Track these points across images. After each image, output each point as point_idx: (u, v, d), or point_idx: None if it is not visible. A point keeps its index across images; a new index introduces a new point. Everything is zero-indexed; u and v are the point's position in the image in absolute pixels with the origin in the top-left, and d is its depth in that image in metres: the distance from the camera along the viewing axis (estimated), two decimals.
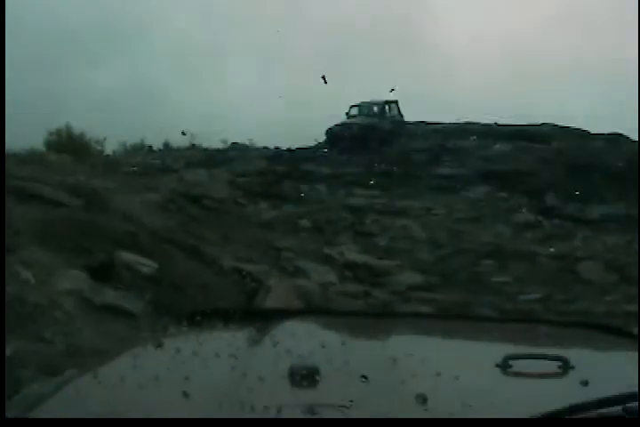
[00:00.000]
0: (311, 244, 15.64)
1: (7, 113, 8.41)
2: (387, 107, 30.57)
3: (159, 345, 2.08)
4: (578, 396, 1.56)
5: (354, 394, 1.67)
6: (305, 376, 1.73)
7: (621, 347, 2.51)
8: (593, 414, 1.52)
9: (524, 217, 21.09)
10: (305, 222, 18.14)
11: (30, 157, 15.55)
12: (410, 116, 31.17)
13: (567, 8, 75.92)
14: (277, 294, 9.14)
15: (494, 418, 1.54)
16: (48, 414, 1.63)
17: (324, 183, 23.65)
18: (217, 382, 1.79)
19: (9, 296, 6.46)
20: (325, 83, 17.21)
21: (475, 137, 29.12)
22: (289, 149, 29.22)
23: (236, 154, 28.88)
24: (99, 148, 20.39)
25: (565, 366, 1.93)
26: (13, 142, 13.59)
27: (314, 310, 6.41)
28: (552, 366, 1.93)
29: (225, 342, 2.09)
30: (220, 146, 30.04)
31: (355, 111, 30.70)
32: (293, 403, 1.60)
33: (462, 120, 30.82)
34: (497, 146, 28.01)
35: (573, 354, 2.00)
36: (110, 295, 7.99)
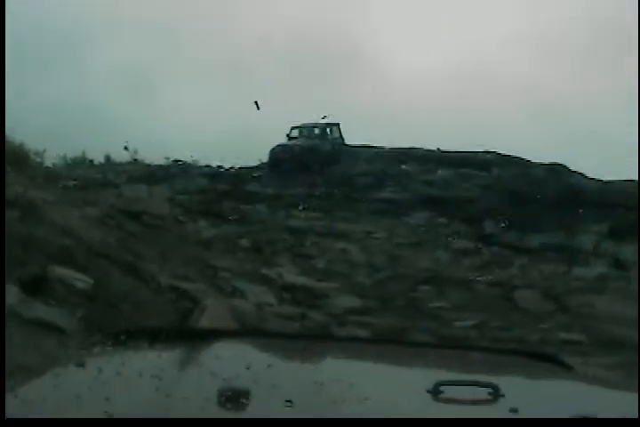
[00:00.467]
0: (249, 264, 15.56)
1: None
2: (328, 129, 30.61)
3: (81, 365, 2.02)
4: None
5: (277, 418, 1.64)
6: (231, 399, 1.69)
7: (554, 375, 2.52)
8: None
9: (463, 244, 21.26)
10: (244, 242, 18.07)
11: None
12: (354, 139, 31.29)
13: (522, 33, 76.99)
14: (213, 313, 9.04)
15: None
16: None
17: (264, 204, 23.62)
18: (139, 404, 1.74)
19: None
20: (258, 109, 17.18)
21: (418, 162, 29.34)
22: (231, 168, 29.17)
23: (177, 171, 28.75)
24: (38, 159, 20.08)
25: (496, 394, 1.91)
26: None
27: (247, 330, 6.36)
28: (482, 393, 1.91)
29: (150, 362, 2.04)
30: (163, 162, 29.84)
31: (295, 133, 30.62)
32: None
33: (406, 145, 31.00)
34: (439, 172, 28.24)
35: (505, 381, 2.00)
36: (41, 310, 7.82)
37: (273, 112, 33.90)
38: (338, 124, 30.79)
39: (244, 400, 1.70)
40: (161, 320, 8.81)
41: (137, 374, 1.88)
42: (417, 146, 30.95)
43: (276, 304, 12.72)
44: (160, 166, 29.23)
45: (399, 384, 2.14)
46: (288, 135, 30.58)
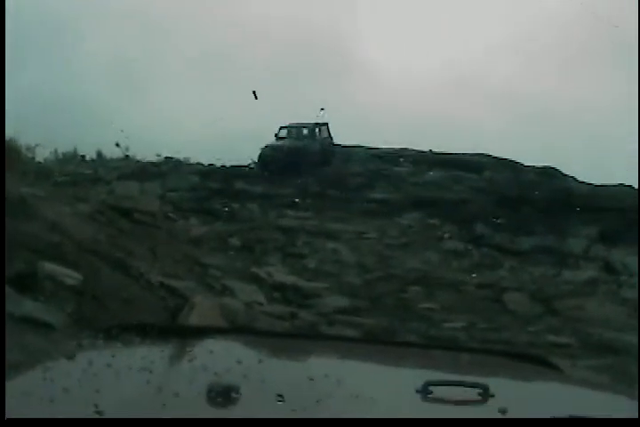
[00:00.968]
0: (240, 262, 15.57)
1: None
2: (317, 129, 30.44)
3: (71, 357, 2.02)
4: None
5: (268, 413, 1.64)
6: (221, 394, 1.68)
7: (543, 377, 2.52)
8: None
9: (453, 245, 21.28)
10: (235, 241, 18.07)
11: None
12: (347, 139, 31.25)
13: (510, 38, 77.06)
14: (202, 311, 9.04)
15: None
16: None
17: (256, 202, 23.62)
18: (129, 396, 1.74)
19: None
20: (256, 98, 17.09)
21: (410, 163, 29.38)
22: (223, 167, 29.10)
23: (169, 168, 28.71)
24: (30, 155, 20.03)
25: (485, 394, 1.91)
26: None
27: (236, 328, 6.36)
28: (472, 394, 1.91)
29: (140, 356, 2.03)
30: (154, 159, 29.78)
31: (284, 133, 30.42)
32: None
33: (399, 146, 31.02)
34: (431, 173, 28.28)
35: (494, 382, 1.99)
36: (30, 307, 7.79)
37: (264, 110, 33.88)
38: (326, 124, 30.66)
39: (232, 395, 1.70)
40: (150, 317, 8.80)
41: (127, 368, 1.88)
42: (409, 147, 30.99)
43: (266, 303, 12.71)
44: (152, 163, 29.17)
45: (387, 383, 2.13)
46: (276, 135, 30.39)
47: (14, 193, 11.27)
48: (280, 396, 1.72)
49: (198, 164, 30.15)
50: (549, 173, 28.47)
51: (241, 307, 11.50)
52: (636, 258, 19.64)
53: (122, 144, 27.38)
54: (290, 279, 14.76)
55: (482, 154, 29.81)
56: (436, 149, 30.44)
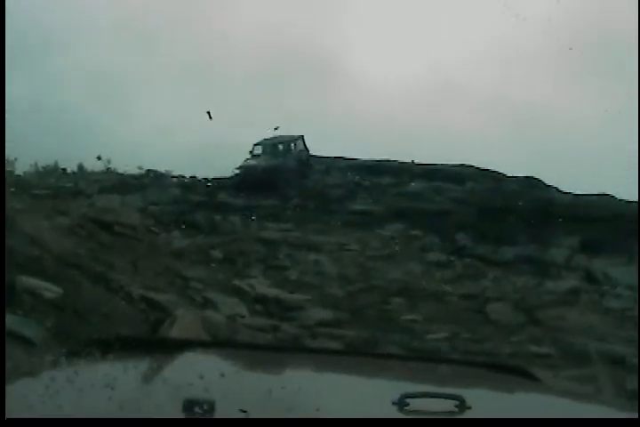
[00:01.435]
0: (222, 275, 15.52)
1: None
2: (292, 144, 29.95)
3: (38, 374, 2.00)
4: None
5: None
6: (198, 408, 1.66)
7: (522, 388, 2.51)
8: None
9: (436, 256, 21.31)
10: (216, 253, 18.02)
11: None
12: (328, 150, 31.22)
13: (495, 44, 77.40)
14: (183, 324, 8.98)
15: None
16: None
17: (237, 215, 23.58)
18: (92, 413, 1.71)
19: None
20: (210, 118, 17.07)
21: (391, 174, 29.44)
22: (205, 179, 29.00)
23: (151, 181, 28.66)
24: (9, 168, 19.95)
25: (462, 406, 1.89)
26: None
27: (217, 341, 6.33)
28: (449, 406, 1.89)
29: (104, 372, 2.01)
30: (136, 172, 29.70)
31: (258, 150, 29.72)
32: None
33: (380, 157, 31.06)
34: (413, 184, 28.35)
35: (472, 394, 1.98)
36: (9, 320, 7.72)
37: (246, 121, 33.82)
38: (302, 137, 30.28)
39: (204, 408, 1.68)
40: (131, 331, 8.74)
41: (90, 385, 1.85)
42: (391, 158, 31.04)
43: (248, 316, 12.68)
44: (133, 176, 29.11)
45: (364, 396, 2.11)
46: (251, 152, 29.77)
47: None
48: (243, 411, 1.71)
49: (181, 176, 30.10)
50: (532, 183, 28.62)
51: (223, 320, 11.46)
52: (619, 268, 19.75)
53: (103, 157, 27.39)
54: (272, 292, 14.72)
55: (464, 165, 29.93)
56: (417, 160, 30.53)
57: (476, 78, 71.94)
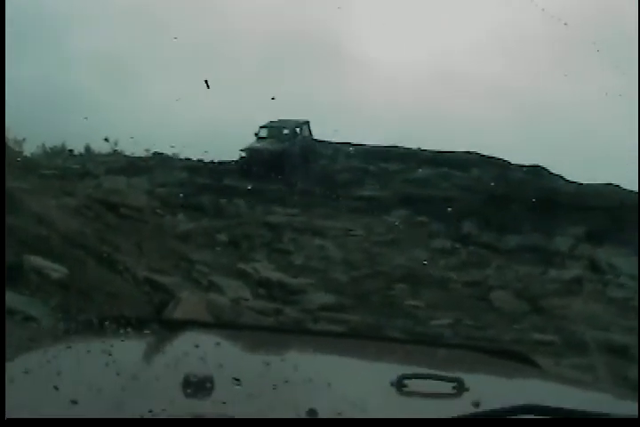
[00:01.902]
0: (226, 258, 15.55)
1: None
2: (297, 129, 29.81)
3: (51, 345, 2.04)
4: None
5: (235, 403, 1.66)
6: (197, 384, 1.69)
7: (522, 373, 2.52)
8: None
9: (440, 243, 21.32)
10: (222, 236, 18.05)
11: None
12: (334, 136, 31.07)
13: (501, 32, 76.97)
14: (187, 306, 9.03)
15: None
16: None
17: (243, 198, 23.58)
18: (99, 386, 1.74)
19: None
20: (208, 87, 17.12)
21: (398, 161, 29.39)
22: (211, 162, 28.93)
23: (157, 163, 28.64)
24: (17, 148, 19.97)
25: (460, 388, 1.91)
26: None
27: (220, 323, 6.35)
28: (447, 387, 1.91)
29: (104, 346, 2.04)
30: (143, 154, 29.67)
31: (264, 133, 29.52)
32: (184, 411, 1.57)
33: (387, 143, 30.99)
34: (419, 171, 28.31)
35: (472, 378, 1.99)
36: (15, 300, 7.77)
37: (254, 104, 33.69)
38: (307, 123, 30.06)
39: (207, 385, 1.70)
40: (134, 311, 8.78)
41: (98, 360, 1.89)
42: (398, 144, 30.96)
43: (252, 299, 12.72)
44: (140, 158, 29.06)
45: (363, 377, 2.13)
46: (257, 134, 29.55)
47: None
48: (237, 380, 1.74)
49: (187, 159, 30.05)
50: (537, 171, 28.56)
51: (227, 303, 11.50)
52: (623, 258, 19.75)
53: (110, 139, 27.37)
54: (276, 275, 14.76)
55: (470, 152, 29.86)
56: (424, 147, 30.43)
57: (482, 65, 71.63)
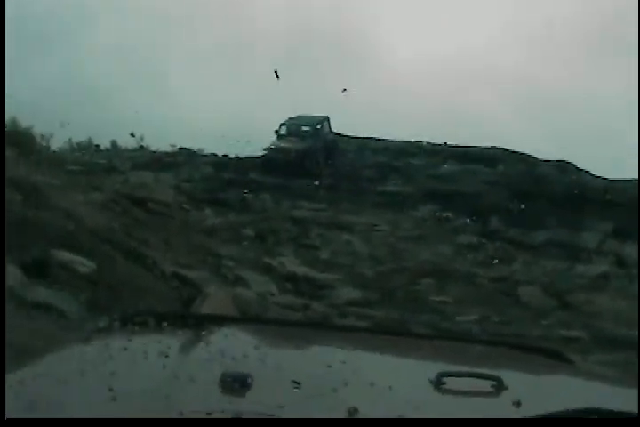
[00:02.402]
0: (253, 253, 15.57)
1: None
2: (319, 126, 29.33)
3: (87, 341, 2.04)
4: (508, 416, 1.55)
5: (283, 400, 1.64)
6: (235, 382, 1.69)
7: (557, 370, 2.50)
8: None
9: (467, 238, 21.25)
10: (248, 231, 18.07)
11: None
12: (361, 131, 31.01)
13: (524, 25, 76.63)
14: (214, 301, 9.04)
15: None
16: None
17: (269, 193, 23.60)
18: (145, 380, 1.75)
19: None
20: (277, 78, 17.02)
21: (424, 156, 29.31)
22: (237, 157, 28.88)
23: (183, 159, 28.71)
24: (44, 144, 20.09)
25: (499, 386, 1.89)
26: None
27: (249, 318, 6.36)
28: (485, 386, 1.90)
29: (156, 342, 2.04)
30: (169, 149, 29.75)
31: (284, 131, 29.02)
32: (223, 408, 1.56)
33: (412, 138, 30.90)
34: (445, 166, 28.21)
35: (507, 375, 1.97)
36: (43, 294, 7.83)
37: (280, 99, 33.65)
38: (327, 118, 29.74)
39: (248, 382, 1.70)
40: (162, 306, 8.83)
41: (142, 353, 1.90)
42: (424, 139, 30.90)
43: (278, 294, 12.73)
44: (166, 153, 29.18)
45: (400, 374, 2.12)
46: (277, 132, 29.07)
47: (28, 181, 11.31)
48: (296, 382, 1.74)
49: (213, 154, 30.10)
50: (564, 167, 28.37)
51: (253, 297, 11.52)
52: None
53: (137, 134, 27.51)
54: (302, 270, 14.77)
55: (495, 147, 29.71)
56: (450, 142, 30.32)
57: (506, 59, 71.35)
